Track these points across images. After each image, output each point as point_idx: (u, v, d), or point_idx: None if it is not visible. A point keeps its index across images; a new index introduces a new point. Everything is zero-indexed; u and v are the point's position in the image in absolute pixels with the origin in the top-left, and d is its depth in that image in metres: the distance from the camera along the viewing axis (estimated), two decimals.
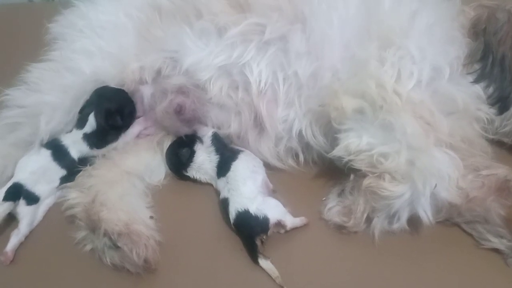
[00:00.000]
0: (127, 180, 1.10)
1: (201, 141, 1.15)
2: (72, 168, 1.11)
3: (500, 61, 1.04)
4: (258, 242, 0.96)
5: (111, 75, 1.14)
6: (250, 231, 0.98)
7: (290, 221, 1.01)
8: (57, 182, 1.10)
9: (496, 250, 0.96)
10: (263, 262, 0.95)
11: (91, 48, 1.15)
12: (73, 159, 1.11)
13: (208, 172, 1.12)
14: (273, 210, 1.00)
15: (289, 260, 0.97)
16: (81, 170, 1.10)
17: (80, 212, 1.02)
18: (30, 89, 1.13)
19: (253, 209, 0.98)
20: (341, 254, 1.00)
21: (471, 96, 1.03)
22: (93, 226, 0.98)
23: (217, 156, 1.12)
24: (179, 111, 1.15)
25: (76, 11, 1.22)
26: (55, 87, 1.12)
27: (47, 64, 1.17)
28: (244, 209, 0.99)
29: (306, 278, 0.95)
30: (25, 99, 1.12)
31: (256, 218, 0.98)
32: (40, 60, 1.18)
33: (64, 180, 1.11)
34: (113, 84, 1.15)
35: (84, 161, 1.12)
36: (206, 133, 1.15)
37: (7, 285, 0.96)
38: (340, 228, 1.02)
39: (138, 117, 1.20)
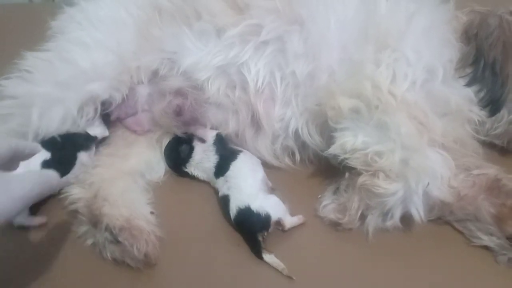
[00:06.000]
0: (129, 177, 1.11)
1: (202, 140, 1.16)
2: None
3: (491, 65, 1.06)
4: (260, 238, 0.97)
5: (108, 70, 1.12)
6: (251, 228, 0.98)
7: (289, 221, 1.02)
8: None
9: (486, 248, 0.98)
10: (268, 257, 0.97)
11: (87, 39, 1.12)
12: None
13: (206, 171, 1.13)
14: (274, 207, 1.01)
15: (284, 256, 0.98)
16: None
17: (82, 207, 1.03)
18: (23, 79, 1.10)
19: (255, 206, 0.99)
20: (336, 250, 1.01)
21: (463, 98, 1.04)
22: (95, 221, 0.99)
23: (216, 156, 1.12)
24: (178, 111, 1.16)
25: (77, 6, 1.21)
26: (48, 79, 1.09)
27: (42, 53, 1.14)
28: (245, 206, 0.99)
29: (300, 274, 0.96)
30: (17, 89, 1.09)
31: (258, 215, 0.98)
32: (36, 50, 1.15)
33: None
34: (111, 82, 1.13)
35: None
36: (211, 134, 1.16)
37: (8, 277, 0.97)
38: (335, 225, 1.03)
39: (132, 115, 1.20)
